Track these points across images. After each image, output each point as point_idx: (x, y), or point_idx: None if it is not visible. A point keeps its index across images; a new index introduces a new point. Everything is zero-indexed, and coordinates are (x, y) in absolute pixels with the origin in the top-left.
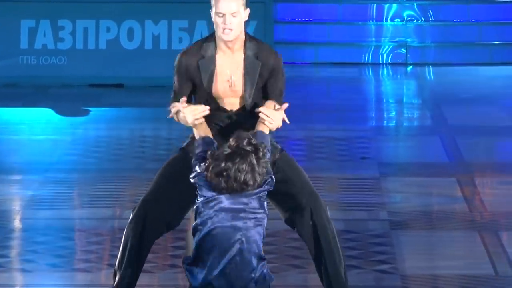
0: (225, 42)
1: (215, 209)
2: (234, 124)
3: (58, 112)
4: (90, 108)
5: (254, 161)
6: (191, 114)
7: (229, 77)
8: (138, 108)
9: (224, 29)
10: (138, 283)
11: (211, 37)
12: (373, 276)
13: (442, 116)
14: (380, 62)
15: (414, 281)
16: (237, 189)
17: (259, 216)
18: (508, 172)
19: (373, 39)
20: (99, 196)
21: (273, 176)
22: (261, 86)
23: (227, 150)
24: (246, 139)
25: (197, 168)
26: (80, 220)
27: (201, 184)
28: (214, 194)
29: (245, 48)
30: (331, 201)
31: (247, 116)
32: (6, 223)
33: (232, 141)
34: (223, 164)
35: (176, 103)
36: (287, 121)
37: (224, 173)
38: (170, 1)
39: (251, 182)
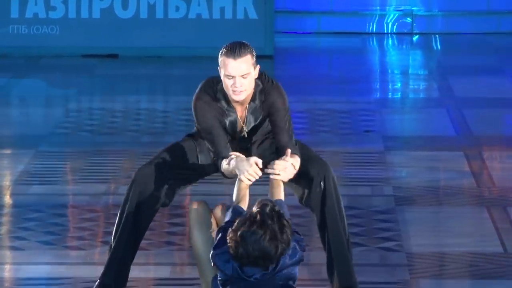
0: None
1: None
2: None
3: (50, 83)
4: (83, 80)
5: (277, 228)
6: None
7: (241, 127)
8: (133, 79)
9: (234, 91)
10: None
11: (220, 85)
12: (377, 254)
13: (449, 88)
14: (385, 31)
15: (420, 259)
16: (257, 258)
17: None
18: None
19: (378, 7)
20: (92, 171)
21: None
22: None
23: (249, 217)
24: (269, 206)
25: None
26: (73, 196)
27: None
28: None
29: (254, 99)
30: (336, 175)
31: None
32: None
33: (254, 208)
34: (242, 229)
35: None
36: (297, 168)
37: (242, 240)
38: None
39: (273, 251)
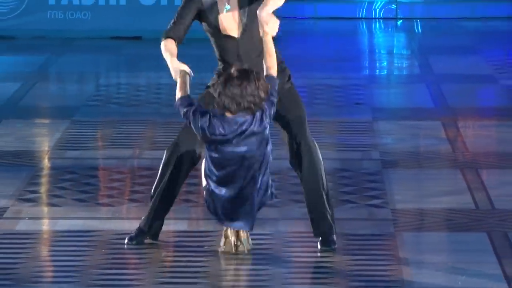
0: None
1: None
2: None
3: (82, 62)
4: (111, 59)
5: (254, 78)
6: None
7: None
8: (155, 58)
9: None
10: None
11: None
12: (366, 210)
13: (428, 66)
14: (373, 16)
15: (403, 214)
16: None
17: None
18: (487, 116)
19: None
20: (119, 138)
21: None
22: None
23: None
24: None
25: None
26: (103, 160)
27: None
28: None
29: None
30: (329, 142)
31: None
32: (37, 162)
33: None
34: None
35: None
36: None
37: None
38: None
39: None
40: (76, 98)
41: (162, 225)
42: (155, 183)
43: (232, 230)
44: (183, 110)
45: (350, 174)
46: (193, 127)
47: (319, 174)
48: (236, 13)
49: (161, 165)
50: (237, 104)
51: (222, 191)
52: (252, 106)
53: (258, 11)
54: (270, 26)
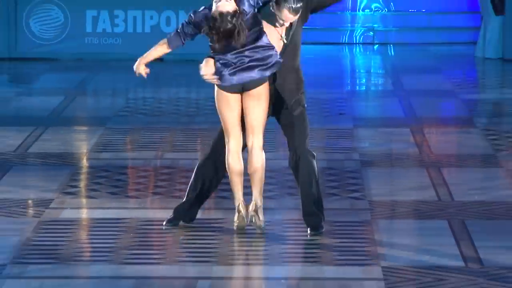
0: None
1: None
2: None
3: (114, 80)
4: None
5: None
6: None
7: None
8: (174, 76)
9: None
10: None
11: None
12: (348, 202)
13: (400, 83)
14: (354, 42)
15: (378, 205)
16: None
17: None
18: (448, 124)
19: (349, 24)
20: (145, 142)
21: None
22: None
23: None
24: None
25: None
26: (131, 160)
27: None
28: None
29: None
30: (318, 146)
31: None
32: (77, 162)
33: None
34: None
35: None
36: None
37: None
38: None
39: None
40: (109, 109)
41: (197, 213)
42: (191, 181)
43: (243, 205)
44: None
45: (334, 172)
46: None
47: (313, 182)
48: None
49: (197, 167)
50: None
51: None
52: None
53: None
54: None
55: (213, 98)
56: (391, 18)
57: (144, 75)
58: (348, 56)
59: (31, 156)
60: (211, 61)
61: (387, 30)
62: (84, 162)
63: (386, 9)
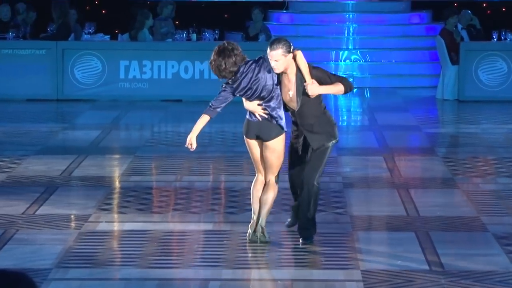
0: None
1: None
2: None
3: (142, 116)
4: (161, 114)
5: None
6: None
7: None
8: (191, 114)
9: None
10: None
11: None
12: (332, 216)
13: (374, 119)
14: None
15: (357, 219)
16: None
17: None
18: (414, 153)
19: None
20: (167, 167)
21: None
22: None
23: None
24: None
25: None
26: (155, 182)
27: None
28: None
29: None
30: None
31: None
32: (111, 183)
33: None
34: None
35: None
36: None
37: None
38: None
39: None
40: (138, 140)
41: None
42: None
43: (254, 225)
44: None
45: (321, 192)
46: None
47: (311, 206)
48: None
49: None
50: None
51: None
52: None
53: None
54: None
55: (223, 132)
56: (367, 67)
57: (193, 148)
58: (332, 97)
59: (74, 179)
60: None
61: (364, 77)
62: (117, 184)
63: (363, 60)
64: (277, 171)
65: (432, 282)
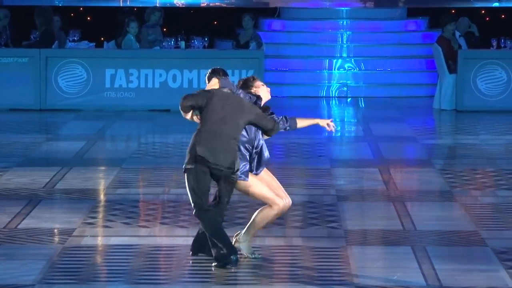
0: None
1: None
2: None
3: (129, 127)
4: (148, 125)
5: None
6: None
7: None
8: (180, 124)
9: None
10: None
11: None
12: (326, 230)
13: (369, 130)
14: (331, 96)
15: (352, 233)
16: None
17: None
18: (410, 165)
19: (326, 81)
20: (154, 180)
21: None
22: None
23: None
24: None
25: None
26: (142, 195)
27: None
28: None
29: None
30: (300, 183)
31: None
32: (96, 196)
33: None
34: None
35: None
36: None
37: None
38: (201, 57)
39: None
40: (124, 152)
41: None
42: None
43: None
44: None
45: (315, 205)
46: None
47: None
48: None
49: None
50: None
51: None
52: None
53: None
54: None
55: None
56: (362, 76)
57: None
58: (325, 107)
59: (58, 191)
60: None
61: (358, 86)
62: (102, 197)
63: (357, 69)
64: (271, 197)
65: None
